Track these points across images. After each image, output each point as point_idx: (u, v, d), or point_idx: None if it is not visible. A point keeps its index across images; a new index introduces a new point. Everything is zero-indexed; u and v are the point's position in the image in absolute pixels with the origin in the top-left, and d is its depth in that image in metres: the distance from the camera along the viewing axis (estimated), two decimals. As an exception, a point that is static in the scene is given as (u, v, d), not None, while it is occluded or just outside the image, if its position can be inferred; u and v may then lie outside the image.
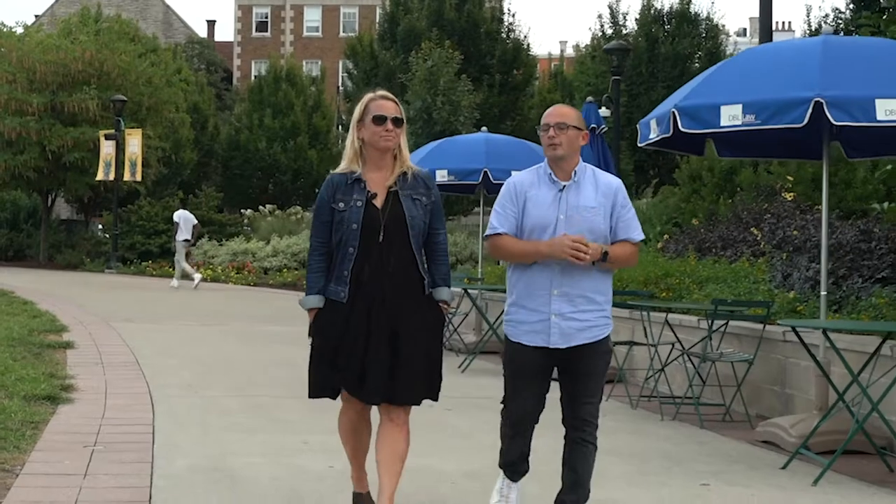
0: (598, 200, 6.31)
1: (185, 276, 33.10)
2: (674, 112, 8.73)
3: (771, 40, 14.64)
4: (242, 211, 48.65)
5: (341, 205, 6.28)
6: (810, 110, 8.01)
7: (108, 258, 42.78)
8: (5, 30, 48.57)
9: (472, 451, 8.94)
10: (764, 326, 10.37)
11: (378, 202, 6.27)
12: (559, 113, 6.44)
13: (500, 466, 6.71)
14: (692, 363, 11.12)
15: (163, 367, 13.66)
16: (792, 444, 8.95)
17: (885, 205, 12.91)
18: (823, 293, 9.51)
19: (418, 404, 6.31)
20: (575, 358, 6.25)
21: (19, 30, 50.18)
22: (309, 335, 6.37)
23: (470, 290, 16.59)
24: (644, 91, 44.69)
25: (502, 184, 15.93)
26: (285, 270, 36.45)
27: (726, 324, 11.12)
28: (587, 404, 6.27)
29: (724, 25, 50.59)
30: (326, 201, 6.35)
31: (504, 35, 50.00)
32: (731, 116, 8.35)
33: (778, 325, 10.11)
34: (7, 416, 9.39)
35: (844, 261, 12.50)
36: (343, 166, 6.42)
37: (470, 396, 11.99)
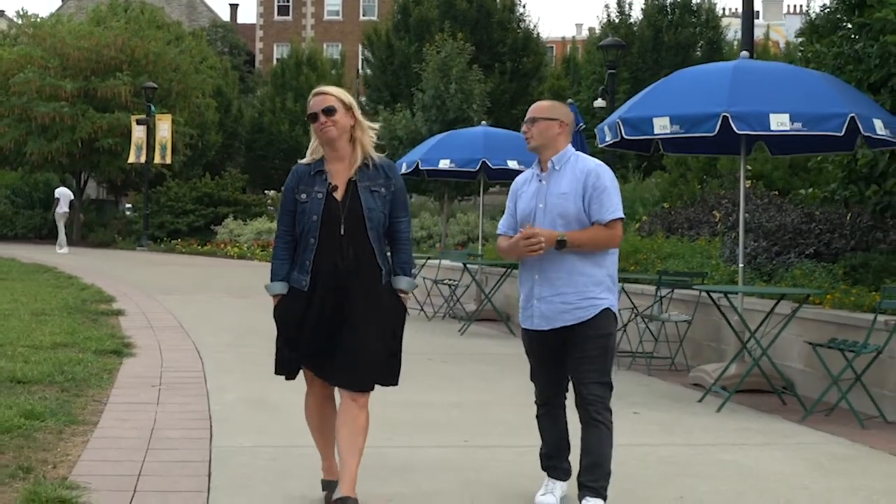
0: (570, 186, 6.45)
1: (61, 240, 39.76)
2: (618, 122, 10.97)
3: (752, 26, 16.64)
4: (266, 192, 50.44)
5: (303, 196, 6.42)
6: (719, 122, 10.23)
7: (139, 236, 44.68)
8: (37, 20, 50.26)
9: (459, 390, 11.22)
10: (700, 293, 12.59)
11: (338, 194, 6.38)
12: (532, 108, 6.71)
13: (542, 465, 6.81)
14: (645, 323, 13.41)
15: (203, 330, 15.72)
16: (711, 384, 11.21)
17: (810, 190, 15.05)
18: (741, 265, 11.76)
19: (370, 390, 6.46)
20: (566, 340, 6.43)
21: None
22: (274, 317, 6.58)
23: (470, 266, 18.83)
24: (649, 77, 46.34)
25: (499, 171, 18.16)
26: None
27: (672, 291, 13.39)
28: (587, 384, 6.36)
29: (736, 9, 52.05)
30: (290, 191, 6.52)
31: (514, 25, 51.64)
32: (661, 126, 10.55)
33: (696, 289, 12.29)
34: (85, 364, 11.61)
35: (784, 239, 14.66)
36: (307, 158, 6.57)
37: (464, 353, 14.30)
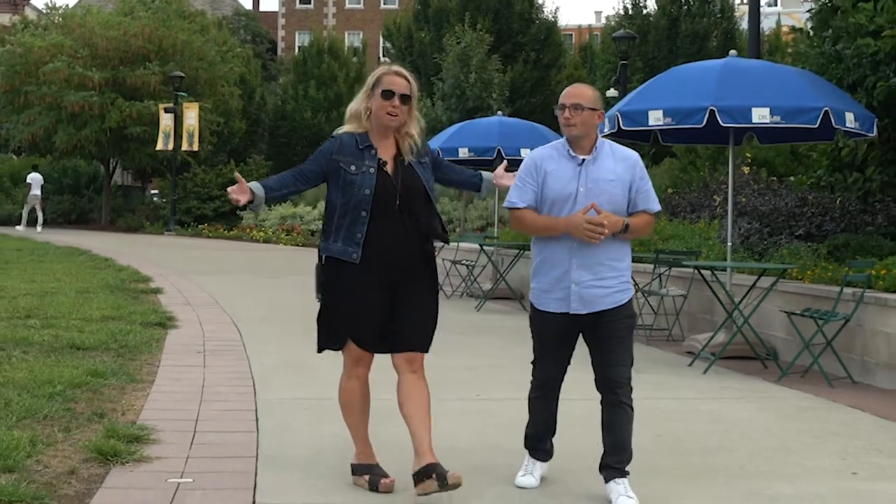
0: (616, 173, 6.48)
1: (31, 223, 43.84)
2: (617, 115, 12.15)
3: (759, 22, 17.82)
4: (289, 177, 51.30)
5: (353, 168, 6.42)
6: (707, 115, 11.40)
7: (166, 221, 45.64)
8: (67, 10, 51.29)
9: (474, 356, 12.44)
10: (694, 270, 13.75)
11: (389, 169, 6.46)
12: (575, 94, 6.57)
13: (526, 444, 6.91)
14: (645, 298, 14.62)
15: (238, 306, 16.86)
16: (700, 350, 12.41)
17: (799, 177, 16.27)
18: (729, 244, 12.93)
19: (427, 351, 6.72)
20: (597, 323, 6.48)
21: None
22: (318, 293, 6.68)
23: (486, 247, 20.05)
24: (664, 67, 46.92)
25: (514, 160, 19.32)
26: (329, 233, 38.72)
27: (669, 269, 14.56)
28: (616, 367, 6.51)
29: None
30: (328, 153, 6.54)
31: (535, 16, 52.52)
32: (656, 118, 11.74)
33: (685, 265, 13.48)
34: (135, 334, 12.80)
35: (777, 221, 15.79)
36: (346, 128, 6.62)
37: (480, 326, 15.51)
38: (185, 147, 45.60)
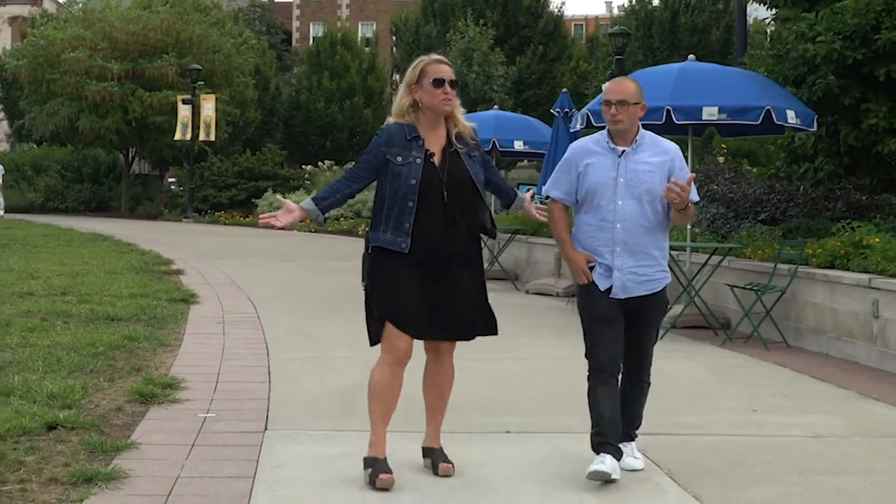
0: (654, 163, 6.64)
1: None
2: (588, 113, 13.72)
3: (746, 16, 19.42)
4: (303, 166, 52.72)
5: (399, 158, 6.43)
6: (664, 114, 12.96)
7: (184, 209, 46.93)
8: (88, 4, 52.66)
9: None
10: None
11: (436, 161, 6.45)
12: (620, 90, 6.71)
13: (593, 445, 6.65)
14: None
15: (254, 286, 18.33)
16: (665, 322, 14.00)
17: (760, 168, 17.88)
18: (688, 226, 14.48)
19: (475, 337, 6.81)
20: (635, 307, 6.68)
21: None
22: (364, 280, 6.62)
23: (482, 231, 21.65)
24: (665, 58, 48.36)
25: (508, 151, 20.93)
26: (342, 219, 39.36)
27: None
28: (646, 350, 6.87)
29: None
30: (377, 147, 6.52)
31: (541, 10, 53.71)
32: (620, 116, 13.29)
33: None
34: (161, 308, 14.36)
35: (744, 207, 17.29)
36: (396, 118, 6.62)
37: (472, 302, 17.05)
38: (202, 137, 46.91)
